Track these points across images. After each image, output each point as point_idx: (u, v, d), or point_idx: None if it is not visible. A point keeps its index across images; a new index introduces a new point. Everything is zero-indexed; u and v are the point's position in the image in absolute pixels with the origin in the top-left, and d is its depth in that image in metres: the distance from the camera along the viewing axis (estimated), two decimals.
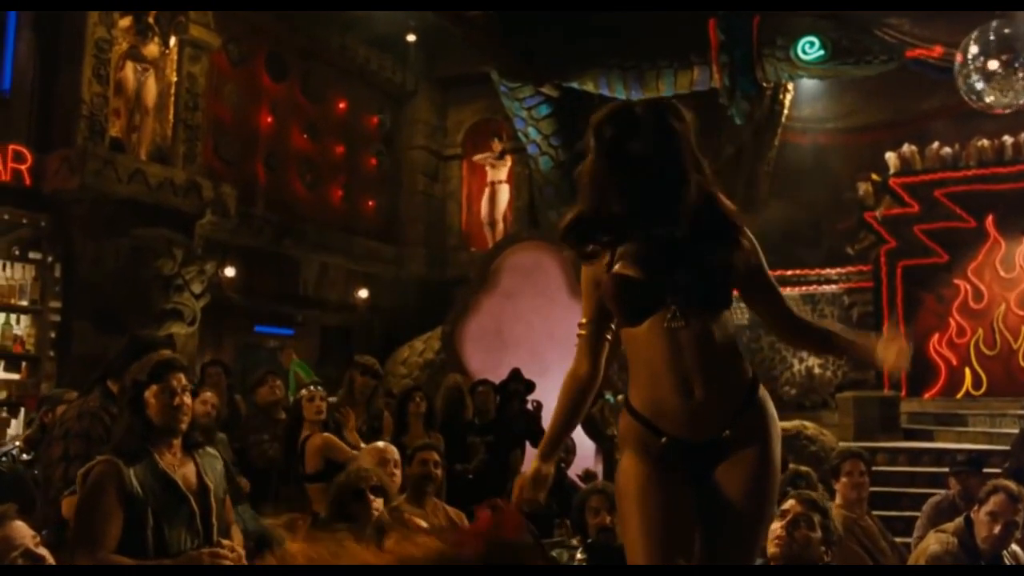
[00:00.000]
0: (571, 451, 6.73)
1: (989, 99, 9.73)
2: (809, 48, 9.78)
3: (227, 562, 2.98)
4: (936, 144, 11.82)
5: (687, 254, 2.14)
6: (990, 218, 11.63)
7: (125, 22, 8.14)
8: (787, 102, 11.17)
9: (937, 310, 12.19)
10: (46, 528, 4.01)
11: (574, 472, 6.97)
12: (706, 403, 2.16)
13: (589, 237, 2.23)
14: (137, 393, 3.04)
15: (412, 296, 12.08)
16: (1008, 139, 11.44)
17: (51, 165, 7.55)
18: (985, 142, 11.59)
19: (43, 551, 2.58)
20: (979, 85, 9.65)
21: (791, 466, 6.98)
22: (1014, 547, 3.90)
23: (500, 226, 12.44)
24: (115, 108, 8.28)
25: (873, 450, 9.47)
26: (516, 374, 7.36)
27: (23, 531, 2.55)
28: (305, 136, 10.80)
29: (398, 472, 4.18)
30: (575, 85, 11.11)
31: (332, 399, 6.10)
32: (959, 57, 9.60)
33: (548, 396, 2.15)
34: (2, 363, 7.42)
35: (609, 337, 2.36)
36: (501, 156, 12.55)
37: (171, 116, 8.56)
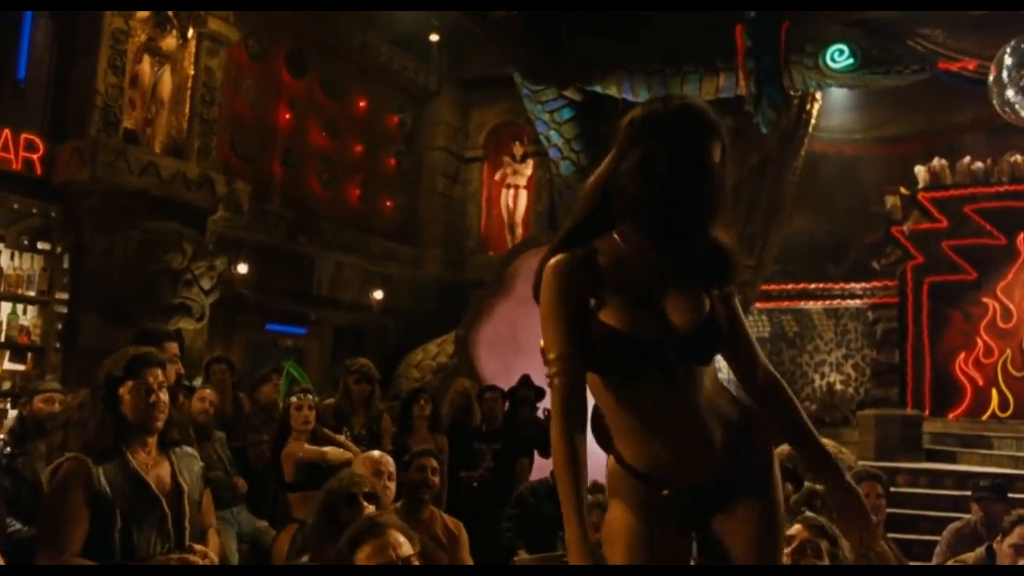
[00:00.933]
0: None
1: (1023, 113, 9.45)
2: (838, 56, 9.54)
3: None
4: (967, 158, 11.58)
5: (688, 307, 1.97)
6: (1021, 236, 11.39)
7: (143, 13, 8.07)
8: (814, 111, 10.92)
9: (964, 328, 11.93)
10: (31, 523, 3.92)
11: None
12: (705, 447, 1.98)
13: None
14: (111, 389, 2.91)
15: (428, 298, 11.95)
16: None
17: (63, 155, 7.48)
18: (1018, 157, 11.33)
19: None
20: (1014, 98, 9.38)
21: (807, 485, 6.75)
22: None
23: (519, 230, 12.29)
24: (131, 100, 8.21)
25: (893, 470, 9.24)
26: (526, 380, 7.20)
27: None
28: (324, 134, 10.69)
29: (392, 485, 4.03)
30: (598, 89, 10.94)
31: (330, 400, 5.99)
32: (993, 70, 9.34)
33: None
34: (7, 353, 7.34)
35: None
36: (523, 159, 12.41)
37: (187, 110, 8.47)
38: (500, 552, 5.59)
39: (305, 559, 3.11)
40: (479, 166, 12.78)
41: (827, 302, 12.93)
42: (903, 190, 11.95)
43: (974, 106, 10.59)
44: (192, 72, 8.53)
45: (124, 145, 7.71)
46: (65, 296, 7.53)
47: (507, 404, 7.16)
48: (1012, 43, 9.22)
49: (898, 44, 9.73)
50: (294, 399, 5.00)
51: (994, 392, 11.60)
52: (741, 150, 10.85)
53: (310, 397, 5.15)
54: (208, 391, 5.58)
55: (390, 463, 4.12)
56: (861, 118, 11.90)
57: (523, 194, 12.47)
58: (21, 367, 7.41)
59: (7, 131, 7.17)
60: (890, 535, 6.73)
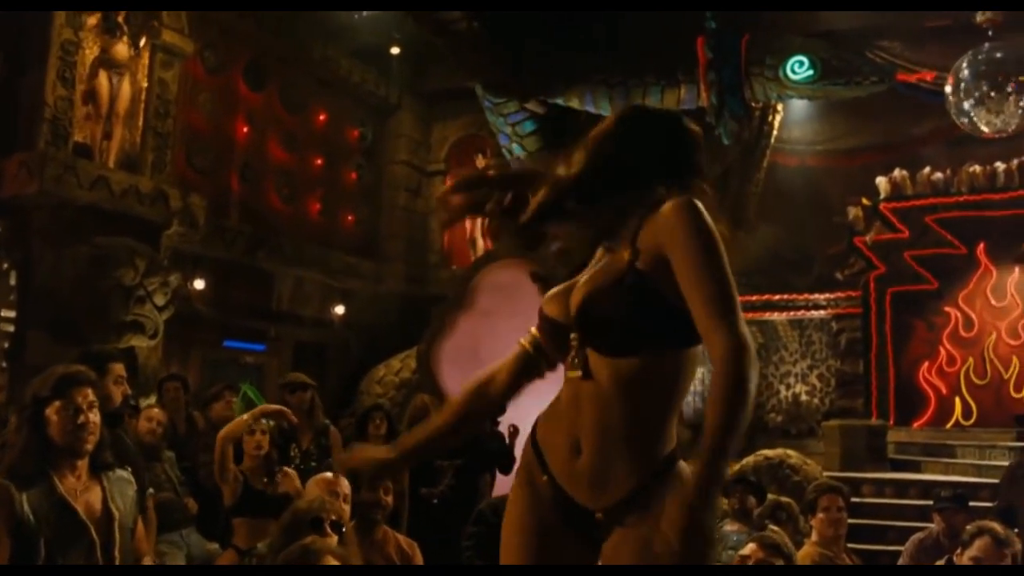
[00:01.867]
0: None
1: (981, 123, 9.54)
2: (798, 68, 9.59)
3: None
4: (927, 169, 11.65)
5: (586, 285, 1.79)
6: (981, 245, 11.46)
7: (92, 20, 7.89)
8: (776, 123, 10.97)
9: (927, 338, 11.98)
10: None
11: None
12: (589, 471, 1.74)
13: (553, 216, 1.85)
14: (37, 410, 2.76)
15: (391, 313, 11.80)
16: (1000, 165, 11.27)
17: (10, 169, 7.29)
18: (977, 168, 11.42)
19: None
20: (971, 109, 9.47)
21: (771, 497, 6.70)
22: None
23: (482, 243, 12.18)
24: (87, 114, 8.04)
25: (859, 481, 9.22)
26: None
27: None
28: (283, 147, 10.54)
29: (347, 507, 3.90)
30: (560, 101, 10.90)
31: (286, 424, 5.83)
32: (950, 80, 9.42)
33: (524, 419, 2.00)
34: None
35: (543, 372, 1.95)
36: None
37: (140, 123, 8.30)
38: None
39: None
40: (441, 180, 12.68)
41: (791, 313, 12.91)
42: (865, 201, 12.00)
43: (933, 117, 10.68)
44: (146, 84, 8.37)
45: (74, 158, 7.53)
46: (12, 314, 7.33)
47: None
48: (969, 55, 9.31)
49: (857, 56, 9.80)
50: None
51: (957, 401, 11.65)
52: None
53: (263, 421, 5.00)
54: (156, 411, 5.41)
55: (345, 484, 3.98)
56: (822, 130, 11.95)
57: None
58: None
59: None
60: (857, 546, 6.70)
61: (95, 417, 2.82)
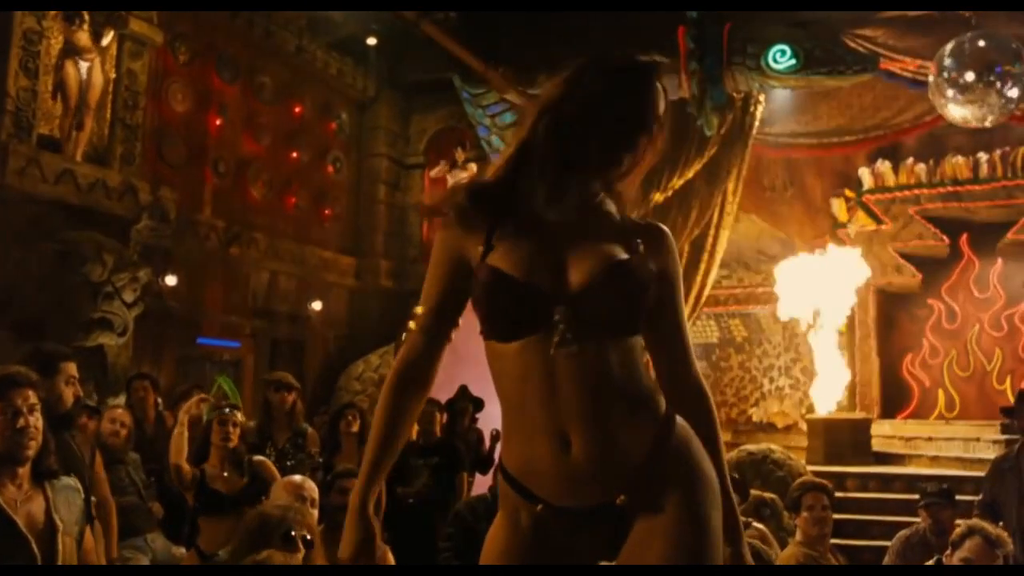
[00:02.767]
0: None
1: (964, 113, 9.43)
2: (780, 57, 9.46)
3: None
4: (910, 160, 11.59)
5: (593, 254, 1.63)
6: (964, 237, 11.43)
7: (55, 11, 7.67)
8: (758, 114, 10.82)
9: (910, 330, 11.96)
10: None
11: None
12: (587, 460, 1.58)
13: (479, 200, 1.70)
14: None
15: (370, 309, 11.62)
16: (983, 156, 11.21)
17: None
18: (960, 159, 11.36)
19: None
20: (953, 99, 9.35)
21: (754, 493, 6.59)
22: None
23: None
24: (53, 105, 7.80)
25: (843, 475, 9.14)
26: (464, 391, 6.95)
27: None
28: (257, 140, 10.32)
29: (315, 512, 3.73)
30: (540, 92, 10.72)
31: (251, 424, 5.69)
32: (933, 69, 9.30)
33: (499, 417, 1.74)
34: None
35: (451, 337, 1.82)
36: (464, 165, 12.14)
37: (108, 115, 8.08)
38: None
39: None
40: (421, 173, 12.49)
41: (775, 306, 12.83)
42: (848, 192, 11.92)
43: (916, 107, 10.58)
44: (114, 75, 8.15)
45: (38, 151, 7.31)
46: None
47: (445, 416, 6.89)
48: (951, 43, 9.19)
49: (839, 45, 9.68)
50: (218, 413, 4.70)
51: (940, 393, 11.63)
52: (684, 153, 10.72)
53: (237, 414, 4.85)
54: (120, 411, 5.23)
55: (313, 488, 3.82)
56: (805, 121, 11.83)
57: None
58: None
59: None
60: (841, 542, 6.60)
61: (36, 421, 2.65)
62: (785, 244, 12.79)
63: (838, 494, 8.26)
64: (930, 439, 10.14)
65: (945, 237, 11.42)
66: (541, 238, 1.64)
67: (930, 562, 3.61)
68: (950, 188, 11.39)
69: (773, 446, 8.42)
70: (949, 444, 9.82)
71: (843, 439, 9.96)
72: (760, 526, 5.13)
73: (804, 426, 11.13)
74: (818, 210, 12.32)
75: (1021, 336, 11.41)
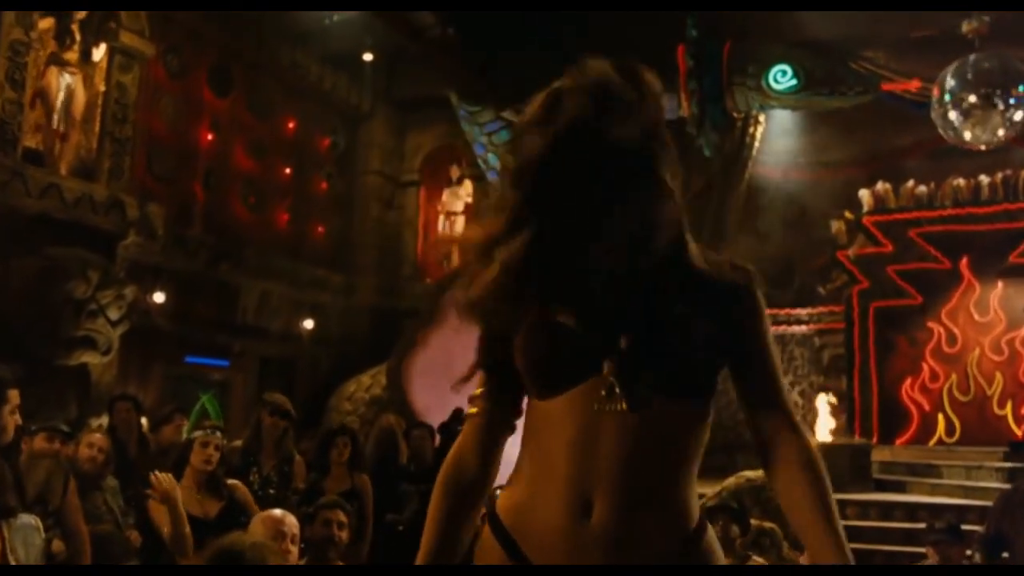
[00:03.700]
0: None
1: (966, 135, 9.33)
2: (781, 77, 9.36)
3: None
4: (911, 182, 11.46)
5: (654, 305, 1.43)
6: (965, 260, 11.29)
7: (45, 24, 7.52)
8: (758, 134, 10.73)
9: (910, 353, 11.79)
10: None
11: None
12: (605, 532, 1.38)
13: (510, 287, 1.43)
14: None
15: (362, 328, 11.44)
16: (984, 178, 11.09)
17: None
18: (961, 181, 11.24)
19: None
20: (956, 121, 9.26)
21: (754, 523, 6.38)
22: None
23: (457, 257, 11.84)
24: (37, 118, 7.65)
25: (843, 502, 8.94)
26: (457, 415, 6.76)
27: None
28: (249, 155, 10.17)
29: (295, 550, 3.53)
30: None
31: (237, 442, 5.50)
32: (936, 91, 9.21)
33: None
34: None
35: (515, 426, 1.58)
36: (459, 181, 12.02)
37: (97, 128, 7.92)
38: None
39: None
40: (415, 190, 12.34)
41: (773, 328, 12.63)
42: (848, 214, 11.79)
43: (918, 129, 10.48)
44: (103, 88, 8.00)
45: (22, 165, 7.14)
46: None
47: (438, 440, 6.70)
48: (954, 65, 9.10)
49: (841, 65, 9.58)
50: (200, 434, 4.50)
51: (940, 417, 11.46)
52: (684, 174, 10.59)
53: (218, 435, 4.65)
54: (98, 436, 5.02)
55: (294, 524, 3.62)
56: (805, 141, 11.73)
57: (461, 220, 12.06)
58: None
59: None
60: None
61: None
62: (784, 266, 12.66)
63: None
64: (931, 465, 9.95)
65: (946, 260, 11.29)
66: (594, 290, 1.44)
67: None
68: (951, 210, 11.26)
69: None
70: (951, 471, 9.63)
71: (843, 465, 9.75)
72: (761, 560, 4.94)
73: None
74: (817, 232, 12.19)
75: (1021, 360, 11.26)
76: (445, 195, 12.05)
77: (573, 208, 1.40)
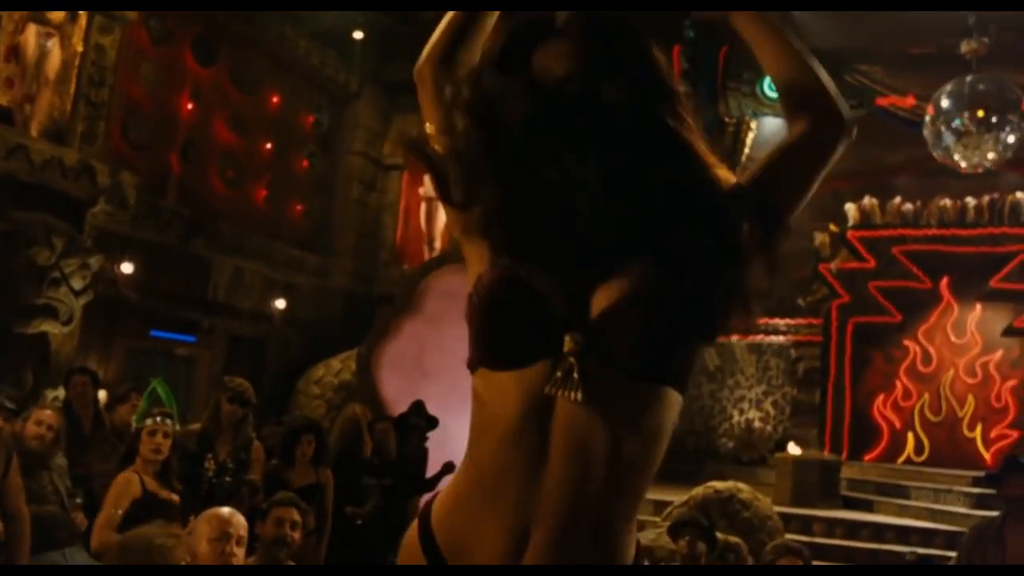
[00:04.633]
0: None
1: (957, 156, 9.23)
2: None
3: None
4: (898, 199, 11.41)
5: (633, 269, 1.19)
6: (946, 280, 11.28)
7: None
8: (749, 140, 10.61)
9: (884, 370, 11.78)
10: None
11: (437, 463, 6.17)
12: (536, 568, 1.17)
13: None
14: None
15: (335, 311, 11.24)
16: (971, 200, 11.05)
17: None
18: (947, 201, 11.20)
19: None
20: (948, 141, 9.16)
21: (720, 536, 6.28)
22: None
23: (438, 244, 11.67)
24: (8, 76, 7.38)
25: (810, 519, 8.89)
26: (418, 407, 6.59)
27: None
28: (230, 128, 9.91)
29: (240, 552, 3.35)
30: None
31: (195, 425, 5.34)
32: (930, 109, 9.10)
33: (464, 434, 1.31)
34: None
35: None
36: None
37: (72, 90, 7.65)
38: None
39: None
40: (399, 175, 12.13)
41: (750, 337, 12.60)
42: (832, 227, 11.73)
43: (909, 147, 10.40)
44: (81, 49, 7.72)
45: None
46: None
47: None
48: (949, 85, 8.99)
49: (837, 78, 9.46)
50: (149, 422, 4.32)
51: (910, 436, 11.46)
52: None
53: (168, 423, 4.47)
54: (47, 413, 4.80)
55: (241, 525, 3.44)
56: None
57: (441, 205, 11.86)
58: None
59: None
60: None
61: None
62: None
63: (803, 538, 8.02)
64: (899, 486, 9.92)
65: (927, 279, 11.27)
66: (569, 229, 1.21)
67: None
68: (936, 230, 11.24)
69: (741, 485, 8.10)
70: (919, 492, 9.60)
71: (812, 480, 9.70)
72: None
73: (771, 462, 10.89)
74: (801, 243, 12.11)
75: (995, 384, 11.26)
76: (427, 180, 11.83)
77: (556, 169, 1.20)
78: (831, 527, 8.81)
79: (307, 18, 10.44)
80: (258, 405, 5.62)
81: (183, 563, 2.55)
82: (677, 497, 8.00)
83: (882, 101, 9.45)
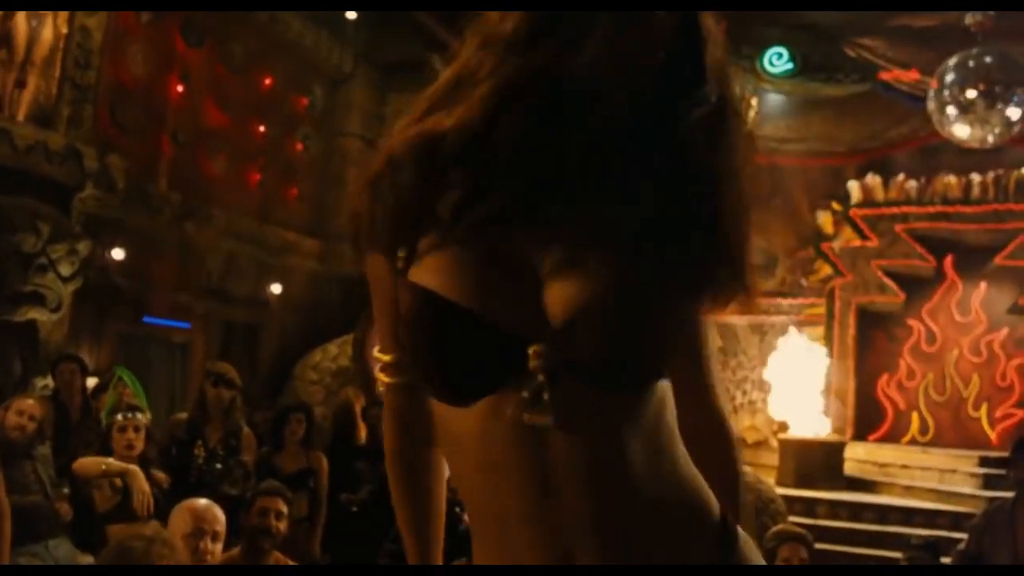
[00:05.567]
0: None
1: (962, 131, 9.08)
2: (777, 60, 9.07)
3: None
4: (901, 176, 11.24)
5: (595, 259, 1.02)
6: (949, 259, 11.14)
7: None
8: (750, 118, 10.43)
9: (888, 350, 11.67)
10: None
11: None
12: None
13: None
14: None
15: (332, 296, 11.10)
16: (976, 177, 10.87)
17: None
18: (952, 179, 11.02)
19: None
20: (953, 116, 9.00)
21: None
22: None
23: None
24: None
25: (813, 501, 8.79)
26: None
27: None
28: (222, 111, 9.73)
29: (217, 548, 3.23)
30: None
31: (183, 415, 5.23)
32: (933, 83, 8.94)
33: None
34: None
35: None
36: None
37: (57, 73, 7.50)
38: None
39: None
40: None
41: (752, 317, 12.47)
42: (835, 205, 11.57)
43: (912, 122, 10.24)
44: (66, 31, 7.56)
45: None
46: None
47: None
48: (955, 58, 8.83)
49: (839, 52, 9.30)
50: (119, 417, 4.20)
51: (915, 416, 11.36)
52: None
53: (139, 417, 4.35)
54: (29, 402, 4.69)
55: (218, 518, 3.31)
56: (796, 128, 11.45)
57: None
58: None
59: None
60: None
61: None
62: (767, 255, 12.43)
63: (807, 521, 7.91)
64: (905, 467, 9.81)
65: (931, 257, 11.12)
66: (497, 229, 1.03)
67: None
68: (940, 208, 11.07)
69: (744, 468, 8.02)
70: (924, 474, 9.49)
71: (815, 461, 9.60)
72: None
73: (775, 443, 10.78)
74: (803, 222, 11.96)
75: (1000, 363, 11.15)
76: None
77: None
78: (835, 509, 8.71)
79: None
80: (254, 391, 5.52)
81: (162, 561, 2.42)
82: None
83: (884, 75, 9.28)
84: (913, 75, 9.24)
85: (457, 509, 5.37)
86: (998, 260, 10.80)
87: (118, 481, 4.05)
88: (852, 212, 11.35)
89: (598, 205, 1.04)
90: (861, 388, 11.41)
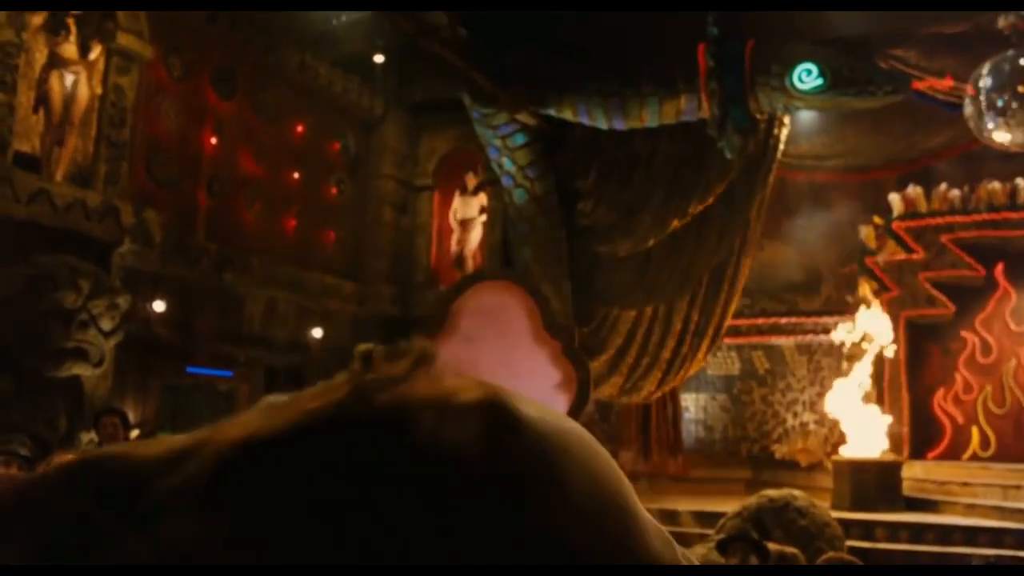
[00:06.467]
0: None
1: (1002, 137, 8.85)
2: (806, 76, 8.93)
3: None
4: (943, 186, 11.02)
5: None
6: (1000, 267, 10.86)
7: (38, 19, 7.27)
8: (782, 136, 10.31)
9: (942, 364, 11.36)
10: None
11: None
12: None
13: None
14: None
15: (374, 337, 11.11)
16: (1020, 182, 10.64)
17: None
18: (996, 185, 10.79)
19: None
20: (991, 121, 8.79)
21: (775, 547, 6.00)
22: None
23: (470, 264, 11.53)
24: (35, 122, 7.43)
25: (871, 524, 8.53)
26: None
27: None
28: (255, 160, 9.88)
29: None
30: (553, 113, 10.27)
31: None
32: (970, 90, 8.74)
33: None
34: None
35: None
36: (476, 191, 11.70)
37: (94, 132, 7.68)
38: None
39: None
40: (429, 195, 12.03)
41: (799, 337, 12.26)
42: (877, 219, 11.36)
43: (950, 130, 10.03)
44: (100, 91, 7.75)
45: (11, 169, 6.90)
46: None
47: None
48: (990, 63, 8.63)
49: (869, 64, 9.16)
50: None
51: (975, 430, 11.03)
52: (704, 177, 10.21)
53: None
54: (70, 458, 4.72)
55: None
56: (832, 143, 11.30)
57: (476, 224, 11.73)
58: None
59: None
60: None
61: None
62: (811, 273, 12.24)
63: (865, 545, 7.68)
64: (966, 484, 9.49)
65: (980, 266, 10.86)
66: None
67: None
68: (986, 215, 10.83)
69: (796, 492, 7.79)
70: (987, 490, 9.17)
71: (871, 482, 9.33)
72: None
73: (829, 465, 10.51)
74: (846, 238, 11.75)
75: None
76: (456, 201, 11.72)
77: None
78: (894, 531, 8.43)
79: (327, 45, 10.41)
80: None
81: None
82: (730, 508, 7.72)
83: (918, 85, 9.09)
84: (948, 83, 9.04)
85: None
86: None
87: None
88: (895, 225, 11.14)
89: None
90: (915, 404, 11.11)
